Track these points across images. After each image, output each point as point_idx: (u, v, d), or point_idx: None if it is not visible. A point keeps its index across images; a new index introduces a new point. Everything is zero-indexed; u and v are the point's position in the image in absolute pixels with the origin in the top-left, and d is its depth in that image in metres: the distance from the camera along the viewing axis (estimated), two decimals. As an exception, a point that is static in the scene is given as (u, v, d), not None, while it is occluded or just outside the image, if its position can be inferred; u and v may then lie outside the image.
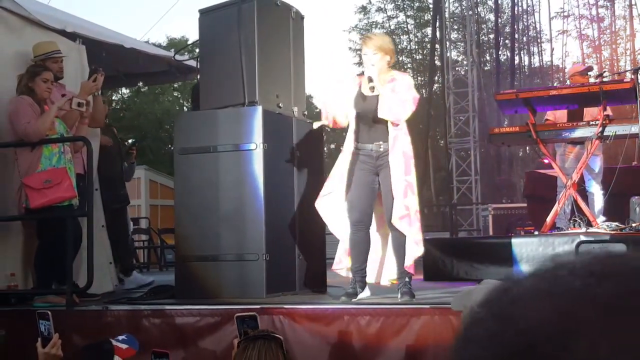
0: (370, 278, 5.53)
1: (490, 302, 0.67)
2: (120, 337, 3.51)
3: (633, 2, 21.51)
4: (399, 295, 5.19)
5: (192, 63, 7.57)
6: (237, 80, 5.79)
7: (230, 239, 5.64)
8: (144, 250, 13.06)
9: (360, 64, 27.50)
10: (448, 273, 7.23)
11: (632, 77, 7.71)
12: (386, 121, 5.31)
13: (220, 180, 5.70)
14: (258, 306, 4.81)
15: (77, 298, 5.57)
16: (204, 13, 6.11)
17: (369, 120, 5.37)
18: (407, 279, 5.28)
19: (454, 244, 8.04)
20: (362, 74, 5.68)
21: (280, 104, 6.01)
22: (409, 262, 5.26)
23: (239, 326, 3.58)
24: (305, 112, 6.44)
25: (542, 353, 0.59)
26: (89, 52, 6.88)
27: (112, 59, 7.66)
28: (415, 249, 5.27)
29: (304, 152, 6.14)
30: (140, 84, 14.28)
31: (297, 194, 6.02)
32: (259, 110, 5.67)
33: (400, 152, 5.28)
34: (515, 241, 7.20)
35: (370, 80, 5.25)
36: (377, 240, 5.61)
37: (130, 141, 8.94)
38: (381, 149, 5.33)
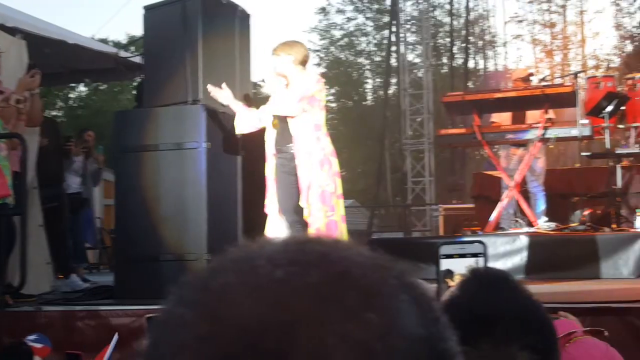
0: None
1: (196, 300, 0.60)
2: (31, 337, 3.48)
3: (584, 9, 21.90)
4: None
5: (139, 60, 7.54)
6: (181, 78, 5.78)
7: (171, 239, 5.61)
8: (99, 251, 12.96)
9: (319, 64, 27.62)
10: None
11: (573, 81, 7.87)
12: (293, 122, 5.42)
13: (161, 180, 5.69)
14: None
15: (9, 299, 5.48)
16: (149, 10, 6.09)
17: (284, 122, 5.49)
18: None
19: (399, 244, 8.14)
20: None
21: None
22: None
23: None
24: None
25: (266, 351, 0.55)
26: (32, 48, 6.79)
27: (56, 56, 7.59)
28: None
29: (249, 151, 6.15)
30: (87, 81, 14.13)
31: (240, 193, 6.02)
32: (202, 108, 5.68)
33: (305, 151, 5.35)
34: (458, 241, 7.30)
35: (262, 80, 5.41)
36: None
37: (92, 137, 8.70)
38: (293, 150, 5.44)
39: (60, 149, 7.50)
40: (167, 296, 0.63)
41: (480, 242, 1.85)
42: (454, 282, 1.78)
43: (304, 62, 5.57)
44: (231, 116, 6.02)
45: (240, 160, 6.04)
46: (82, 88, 28.97)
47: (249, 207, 6.08)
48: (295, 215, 5.47)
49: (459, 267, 1.80)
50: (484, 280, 1.45)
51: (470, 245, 1.84)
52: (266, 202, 5.57)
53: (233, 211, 5.94)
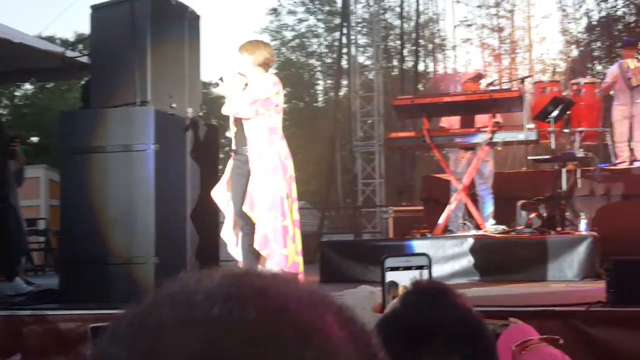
0: None
1: (131, 338, 0.59)
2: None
3: (531, 14, 22.25)
4: None
5: (87, 60, 7.43)
6: (129, 79, 5.72)
7: (118, 242, 5.55)
8: (44, 253, 12.74)
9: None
10: (344, 275, 7.34)
11: (520, 86, 8.00)
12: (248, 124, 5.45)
13: (109, 182, 5.61)
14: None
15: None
16: (96, 9, 6.00)
17: (240, 123, 5.54)
18: None
19: (349, 247, 8.17)
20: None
21: (174, 105, 5.96)
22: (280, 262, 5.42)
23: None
24: (201, 113, 6.42)
25: None
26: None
27: (1, 55, 7.46)
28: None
29: (198, 153, 6.12)
30: (33, 80, 13.87)
31: (190, 195, 5.99)
32: (151, 110, 5.62)
33: (259, 153, 5.39)
34: (408, 243, 7.36)
35: (222, 79, 5.48)
36: None
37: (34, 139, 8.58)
38: (247, 153, 5.47)
39: (5, 149, 7.34)
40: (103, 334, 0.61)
41: (425, 255, 1.86)
42: (398, 295, 1.80)
43: (264, 65, 5.58)
44: (180, 118, 5.99)
45: (189, 162, 6.00)
46: (28, 86, 28.47)
47: (198, 209, 6.05)
48: (245, 218, 5.48)
49: (405, 279, 1.81)
50: (425, 293, 1.47)
51: (416, 258, 1.86)
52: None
53: (182, 214, 5.90)
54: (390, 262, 1.80)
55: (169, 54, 6.02)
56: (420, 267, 1.80)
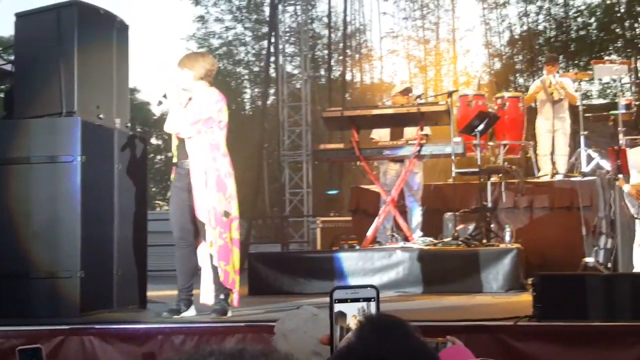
0: (203, 299, 5.51)
1: None
2: None
3: (456, 27, 22.69)
4: (210, 313, 5.24)
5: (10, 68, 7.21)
6: (55, 89, 5.60)
7: (42, 255, 5.41)
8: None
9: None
10: (272, 287, 7.31)
11: (447, 99, 8.13)
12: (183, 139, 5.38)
13: (33, 194, 5.47)
14: (67, 327, 4.64)
15: None
16: (21, 17, 5.85)
17: (181, 138, 5.42)
18: (222, 296, 5.30)
19: (277, 259, 8.14)
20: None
21: (101, 115, 5.85)
22: (222, 277, 5.30)
23: None
24: (129, 124, 6.32)
25: None
26: None
27: None
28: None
29: (126, 164, 6.02)
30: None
31: (117, 208, 5.88)
32: (77, 121, 5.51)
33: (202, 170, 5.29)
34: (337, 255, 7.38)
35: (165, 96, 5.35)
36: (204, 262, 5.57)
37: None
38: (189, 167, 5.36)
39: None
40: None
41: (373, 287, 1.87)
42: (346, 325, 1.80)
43: (207, 77, 5.48)
44: (108, 129, 5.87)
45: (117, 173, 5.89)
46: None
47: (126, 221, 5.94)
48: (181, 232, 5.42)
49: (352, 310, 1.82)
50: (379, 327, 1.47)
51: (364, 290, 1.86)
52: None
53: (109, 226, 5.78)
54: (338, 293, 1.80)
55: (97, 63, 5.90)
56: (368, 299, 1.80)
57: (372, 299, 1.80)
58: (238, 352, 0.73)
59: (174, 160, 5.48)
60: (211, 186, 5.26)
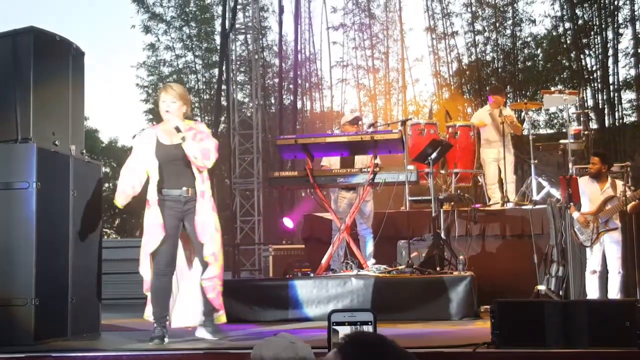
0: (180, 322, 5.58)
1: None
2: None
3: (405, 57, 23.05)
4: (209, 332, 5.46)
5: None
6: (10, 115, 5.53)
7: (-4, 283, 5.30)
8: None
9: (147, 100, 27.15)
10: (227, 315, 7.25)
11: (401, 128, 8.23)
12: (190, 167, 5.44)
13: (-14, 221, 5.36)
14: (23, 354, 4.56)
15: None
16: (-24, 43, 5.78)
17: (174, 167, 5.47)
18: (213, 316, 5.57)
19: (231, 286, 8.08)
20: (153, 125, 5.77)
21: (57, 142, 5.79)
22: (215, 297, 5.49)
23: None
24: (84, 151, 6.25)
25: None
26: None
27: None
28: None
29: (82, 191, 5.95)
30: None
31: (72, 235, 5.80)
32: (32, 147, 5.45)
33: (208, 196, 5.48)
34: (291, 283, 7.37)
35: (178, 130, 5.37)
36: (185, 284, 5.65)
37: None
38: (189, 194, 5.46)
39: None
40: None
41: (370, 311, 1.89)
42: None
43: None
44: (63, 155, 5.81)
45: (72, 201, 5.81)
46: None
47: (81, 248, 5.86)
48: (172, 261, 5.54)
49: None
50: (358, 345, 1.49)
51: (360, 314, 1.88)
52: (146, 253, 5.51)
53: (64, 254, 5.70)
54: (336, 316, 1.81)
55: (52, 90, 5.85)
56: (365, 323, 1.82)
57: (369, 323, 1.82)
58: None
59: (155, 190, 5.47)
60: (214, 209, 5.49)
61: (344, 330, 1.85)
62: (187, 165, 5.46)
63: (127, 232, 35.61)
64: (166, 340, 5.33)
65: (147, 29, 26.06)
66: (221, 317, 5.63)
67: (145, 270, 5.45)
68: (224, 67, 18.37)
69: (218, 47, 21.70)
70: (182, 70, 26.48)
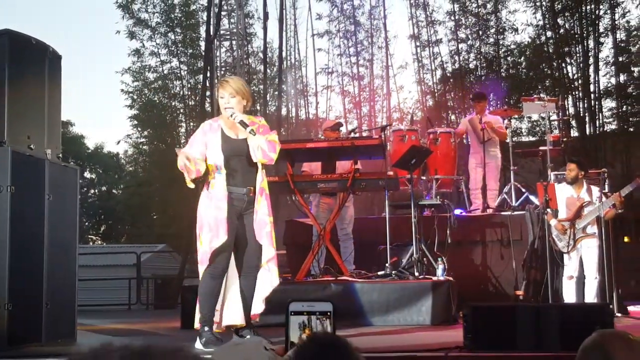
0: (230, 320, 5.40)
1: None
2: None
3: (389, 64, 23.10)
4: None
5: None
6: (-16, 119, 5.50)
7: (-32, 288, 5.26)
8: None
9: (132, 106, 27.09)
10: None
11: (381, 134, 8.24)
12: (255, 164, 5.29)
13: (-41, 224, 5.33)
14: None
15: None
16: (-50, 46, 5.74)
17: (240, 163, 5.30)
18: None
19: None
20: (216, 118, 5.55)
21: (32, 146, 5.76)
22: (261, 307, 5.32)
23: None
24: (60, 155, 6.22)
25: None
26: None
27: None
28: (269, 293, 5.33)
29: (57, 195, 5.92)
30: None
31: (47, 239, 5.76)
32: (7, 151, 5.41)
33: (265, 194, 5.31)
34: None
35: (244, 124, 5.15)
36: (235, 284, 5.45)
37: None
38: (252, 193, 5.29)
39: None
40: None
41: (329, 302, 1.88)
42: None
43: None
44: (38, 159, 5.78)
45: (47, 204, 5.78)
46: None
47: (56, 252, 5.83)
48: (229, 261, 5.34)
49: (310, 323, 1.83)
50: (320, 346, 1.48)
51: (320, 304, 1.88)
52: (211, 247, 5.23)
53: (39, 258, 5.66)
54: (294, 306, 1.81)
55: (28, 93, 5.83)
56: (324, 313, 1.81)
57: (328, 313, 1.81)
58: (145, 348, 0.74)
59: (223, 185, 5.22)
60: (270, 209, 5.33)
61: (301, 319, 1.84)
62: (251, 161, 5.27)
63: (112, 238, 35.50)
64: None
65: (132, 35, 26.02)
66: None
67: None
68: (208, 74, 18.37)
69: (203, 53, 21.67)
70: (167, 76, 26.45)
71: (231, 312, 5.40)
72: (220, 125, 5.37)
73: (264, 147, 5.17)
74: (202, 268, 5.25)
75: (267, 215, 5.29)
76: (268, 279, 5.31)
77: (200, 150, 5.31)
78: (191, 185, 5.24)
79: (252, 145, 5.20)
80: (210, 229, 5.18)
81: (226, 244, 5.19)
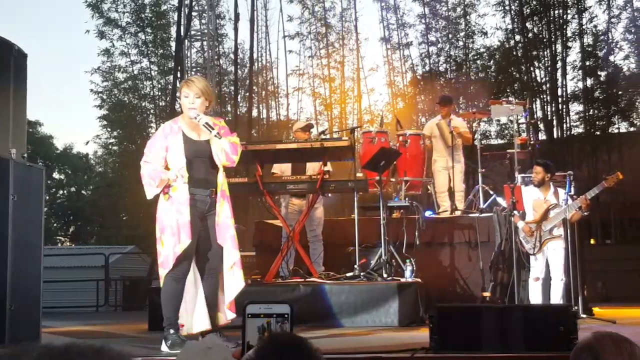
0: (200, 326, 5.33)
1: None
2: None
3: (360, 66, 23.17)
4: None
5: None
6: (-53, 118, 5.42)
7: None
8: None
9: (101, 106, 26.86)
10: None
11: (350, 135, 8.25)
12: (216, 165, 5.24)
13: None
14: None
15: None
16: None
17: (202, 165, 5.24)
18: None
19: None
20: (175, 119, 5.45)
21: (-4, 145, 5.69)
22: (231, 315, 5.26)
23: None
24: (25, 155, 6.15)
25: None
26: None
27: None
28: (235, 295, 5.25)
29: (22, 196, 5.84)
30: None
31: (11, 240, 5.68)
32: (-31, 150, 5.35)
33: (226, 196, 5.25)
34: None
35: (210, 127, 5.09)
36: (189, 289, 5.35)
37: None
38: (214, 195, 5.24)
39: None
40: None
41: (287, 303, 1.87)
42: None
43: None
44: (2, 159, 5.71)
45: (12, 205, 5.70)
46: None
47: (20, 253, 5.76)
48: (190, 265, 5.27)
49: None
50: (280, 347, 1.48)
51: (277, 306, 1.87)
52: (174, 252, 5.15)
53: (2, 259, 5.58)
54: (251, 308, 1.79)
55: (-8, 92, 5.75)
56: (281, 316, 1.80)
57: (286, 315, 1.81)
58: (65, 347, 0.72)
59: (186, 189, 5.15)
60: (231, 211, 5.27)
61: (259, 322, 1.83)
62: (213, 162, 5.23)
63: (81, 239, 35.19)
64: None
65: (101, 34, 25.80)
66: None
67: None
68: (179, 74, 18.30)
69: (173, 54, 21.56)
70: (137, 77, 26.27)
71: (200, 318, 5.36)
72: (181, 127, 5.30)
73: (227, 149, 5.15)
74: (163, 272, 5.17)
75: (229, 217, 5.25)
76: (234, 284, 5.26)
77: (162, 155, 5.25)
78: (150, 197, 5.22)
79: (215, 149, 5.17)
80: (173, 233, 5.11)
81: (189, 248, 5.14)
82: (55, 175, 36.89)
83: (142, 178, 5.23)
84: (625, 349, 1.82)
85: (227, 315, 5.32)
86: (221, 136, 5.11)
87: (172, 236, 5.10)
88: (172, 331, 5.15)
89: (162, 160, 5.23)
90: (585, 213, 7.79)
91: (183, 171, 5.17)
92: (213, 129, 5.10)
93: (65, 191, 38.19)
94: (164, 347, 5.09)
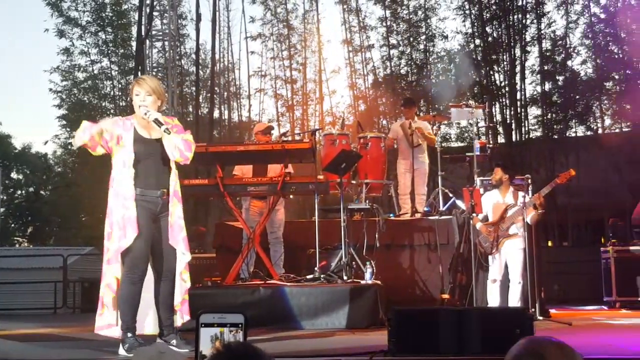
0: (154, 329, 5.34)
1: None
2: None
3: (322, 68, 23.21)
4: (180, 345, 5.07)
5: None
6: None
7: None
8: None
9: (60, 106, 26.53)
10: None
11: (311, 137, 8.28)
12: (169, 165, 5.19)
13: None
14: None
15: None
16: None
17: (152, 164, 5.17)
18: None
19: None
20: (128, 117, 5.34)
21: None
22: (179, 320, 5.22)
23: None
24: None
25: None
26: None
27: None
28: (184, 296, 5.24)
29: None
30: None
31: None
32: None
33: (178, 197, 5.20)
34: (201, 292, 7.30)
35: (159, 122, 5.01)
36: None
37: None
38: (166, 196, 5.17)
39: None
40: None
41: (241, 313, 1.88)
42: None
43: None
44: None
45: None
46: None
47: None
48: (146, 266, 5.20)
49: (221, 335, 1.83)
50: (232, 356, 1.49)
51: (231, 316, 1.87)
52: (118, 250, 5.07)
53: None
54: (205, 317, 1.80)
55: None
56: (235, 325, 1.81)
57: (240, 325, 1.81)
58: None
59: (131, 185, 5.06)
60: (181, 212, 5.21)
61: (213, 332, 1.84)
62: (165, 162, 5.17)
63: (40, 240, 34.69)
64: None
65: (61, 33, 25.49)
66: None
67: (116, 271, 5.05)
68: (140, 74, 18.17)
69: (134, 54, 21.38)
70: (98, 76, 26.01)
71: (151, 321, 5.34)
72: (134, 124, 5.23)
73: (180, 146, 5.10)
74: (108, 268, 5.08)
75: (182, 219, 5.22)
76: (184, 287, 5.27)
77: (111, 134, 5.10)
78: (77, 145, 5.18)
79: (168, 145, 5.11)
80: (120, 227, 5.03)
81: (139, 246, 5.06)
82: (14, 175, 36.33)
83: (80, 126, 5.11)
84: (569, 352, 1.86)
85: (183, 317, 5.31)
86: (170, 132, 5.02)
87: (119, 230, 5.03)
88: (129, 334, 5.10)
89: (107, 136, 5.09)
90: (540, 211, 7.89)
91: (131, 171, 5.10)
92: (162, 124, 5.03)
93: (23, 191, 37.61)
94: (122, 351, 5.05)
